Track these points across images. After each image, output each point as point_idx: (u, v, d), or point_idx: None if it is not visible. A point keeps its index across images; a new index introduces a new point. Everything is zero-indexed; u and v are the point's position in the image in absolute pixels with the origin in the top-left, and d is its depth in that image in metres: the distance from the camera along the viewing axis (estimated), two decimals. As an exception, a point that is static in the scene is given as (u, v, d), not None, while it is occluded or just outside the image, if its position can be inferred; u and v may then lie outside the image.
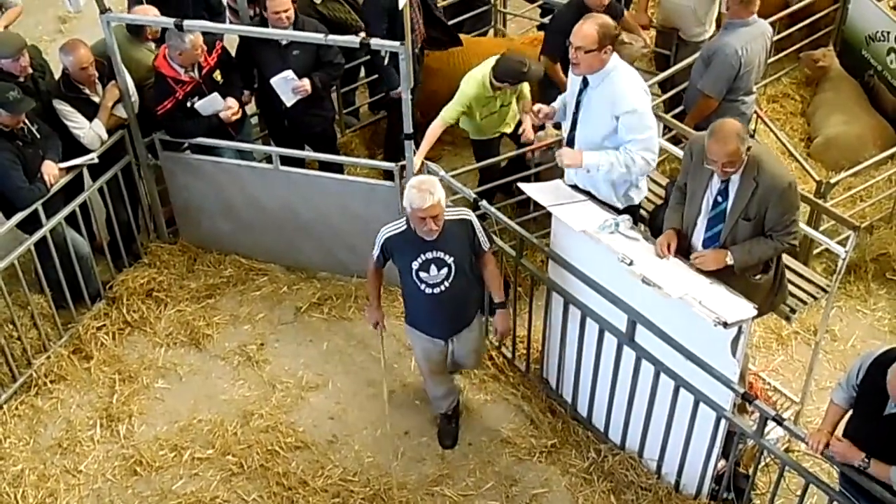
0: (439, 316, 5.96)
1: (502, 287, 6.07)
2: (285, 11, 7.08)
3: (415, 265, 5.68)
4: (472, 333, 6.14)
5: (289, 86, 7.27)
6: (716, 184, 5.43)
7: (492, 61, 7.25)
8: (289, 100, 7.33)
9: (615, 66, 5.77)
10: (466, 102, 7.16)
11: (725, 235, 5.48)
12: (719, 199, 5.45)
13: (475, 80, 7.16)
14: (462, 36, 8.33)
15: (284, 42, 7.24)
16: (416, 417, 6.73)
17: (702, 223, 5.56)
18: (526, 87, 7.41)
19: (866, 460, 5.00)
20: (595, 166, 5.85)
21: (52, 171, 6.76)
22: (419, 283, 5.75)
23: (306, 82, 7.29)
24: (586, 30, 5.63)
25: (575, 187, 6.18)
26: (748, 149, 5.23)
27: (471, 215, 5.78)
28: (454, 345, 6.11)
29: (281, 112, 7.48)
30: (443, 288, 5.77)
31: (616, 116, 5.74)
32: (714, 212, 5.49)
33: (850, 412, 5.19)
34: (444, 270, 5.71)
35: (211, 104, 7.19)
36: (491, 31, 9.64)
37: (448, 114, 7.15)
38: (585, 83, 5.85)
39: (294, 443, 6.57)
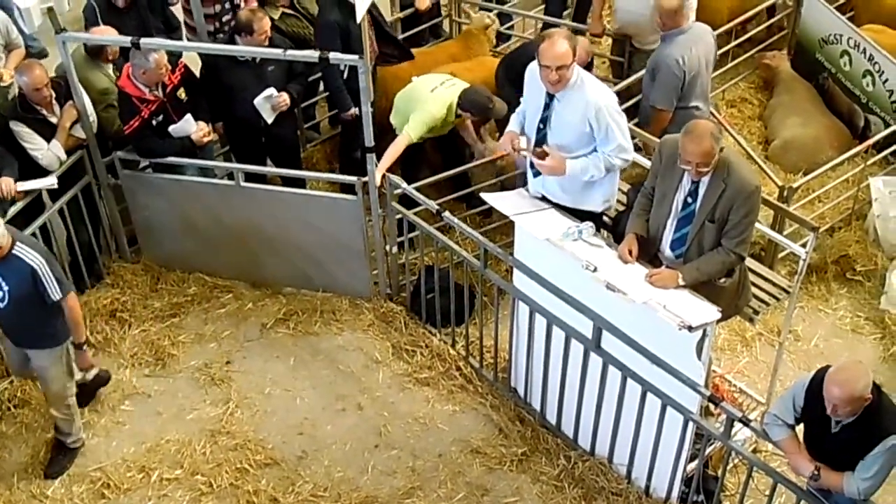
0: (4, 326, 6.16)
1: (82, 331, 6.11)
2: (266, 35, 7.19)
3: None
4: (38, 361, 6.19)
5: (269, 103, 7.29)
6: (686, 185, 5.48)
7: (457, 84, 7.32)
8: (269, 117, 7.34)
9: (578, 73, 5.80)
10: (432, 124, 7.24)
11: (692, 237, 5.53)
12: (689, 199, 5.49)
13: (443, 102, 7.25)
14: (414, 50, 8.38)
15: (259, 59, 7.25)
16: (385, 430, 6.73)
17: (671, 224, 5.61)
18: None
19: (817, 471, 5.11)
20: (579, 173, 5.88)
21: (9, 186, 6.69)
22: None
23: (286, 96, 7.37)
24: (559, 49, 5.59)
25: (543, 199, 6.19)
26: (720, 149, 5.29)
27: (38, 265, 5.78)
28: (32, 359, 6.25)
29: (259, 129, 7.49)
30: (1, 306, 5.89)
31: (589, 120, 5.75)
32: (683, 213, 5.53)
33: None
34: (1, 293, 5.83)
35: (184, 127, 7.18)
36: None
37: (415, 131, 7.20)
38: (550, 97, 5.84)
39: (263, 460, 6.53)
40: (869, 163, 7.89)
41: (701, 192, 5.44)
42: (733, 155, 5.51)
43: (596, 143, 5.86)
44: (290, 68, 7.46)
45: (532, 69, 5.95)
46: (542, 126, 5.95)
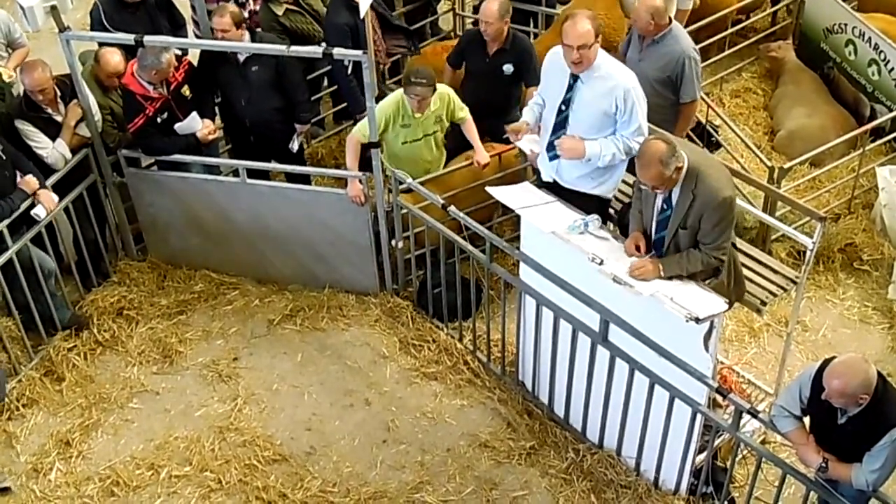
0: None
1: None
2: (225, 32, 7.09)
3: None
4: None
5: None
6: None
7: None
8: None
9: (601, 56, 5.81)
10: (380, 116, 6.81)
11: (668, 241, 5.54)
12: (664, 206, 5.50)
13: (394, 95, 6.97)
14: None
15: (242, 59, 7.24)
16: (393, 425, 6.74)
17: (653, 227, 5.63)
18: (465, 112, 7.16)
19: (825, 462, 5.11)
20: (597, 156, 5.88)
21: (52, 201, 6.83)
22: None
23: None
24: (581, 28, 5.62)
25: (554, 183, 6.18)
26: (676, 169, 5.23)
27: None
28: None
29: (246, 128, 7.51)
30: None
31: (616, 101, 5.76)
32: (661, 217, 5.54)
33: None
34: None
35: (190, 125, 7.20)
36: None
37: (364, 128, 6.84)
38: (574, 79, 5.84)
39: (272, 456, 6.54)
40: (868, 148, 7.87)
41: (674, 199, 5.44)
42: (704, 164, 5.42)
43: (616, 126, 5.86)
44: (276, 72, 7.32)
45: (554, 52, 5.97)
46: (563, 108, 5.94)
